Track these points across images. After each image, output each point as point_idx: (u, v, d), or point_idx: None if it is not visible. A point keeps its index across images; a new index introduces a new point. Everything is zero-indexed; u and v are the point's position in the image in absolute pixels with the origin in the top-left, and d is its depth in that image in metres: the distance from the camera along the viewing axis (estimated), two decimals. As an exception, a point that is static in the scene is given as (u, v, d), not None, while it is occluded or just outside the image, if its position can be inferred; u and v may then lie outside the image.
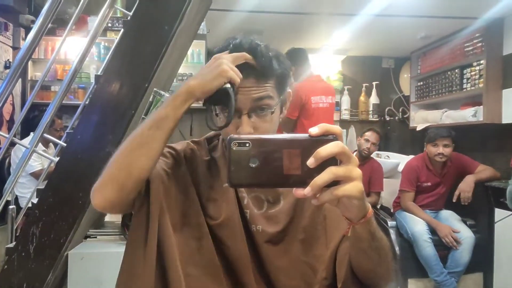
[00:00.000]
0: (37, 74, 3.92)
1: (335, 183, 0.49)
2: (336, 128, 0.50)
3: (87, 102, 1.84)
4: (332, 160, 0.49)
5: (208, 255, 0.78)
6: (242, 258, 0.77)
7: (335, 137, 0.50)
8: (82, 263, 1.63)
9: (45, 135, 1.75)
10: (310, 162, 0.48)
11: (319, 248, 0.80)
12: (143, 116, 1.99)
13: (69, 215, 1.59)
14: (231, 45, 0.78)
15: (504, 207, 2.28)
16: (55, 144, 2.39)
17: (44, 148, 3.08)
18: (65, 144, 1.71)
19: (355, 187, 0.50)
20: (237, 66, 0.74)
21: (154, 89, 1.96)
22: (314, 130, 0.49)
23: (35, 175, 3.00)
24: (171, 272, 0.73)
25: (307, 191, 0.48)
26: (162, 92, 2.03)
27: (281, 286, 0.79)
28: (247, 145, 0.50)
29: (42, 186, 1.75)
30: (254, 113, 0.76)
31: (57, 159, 1.69)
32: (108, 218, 2.03)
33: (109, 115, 1.75)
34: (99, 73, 1.82)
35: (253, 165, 0.49)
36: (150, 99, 2.01)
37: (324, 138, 0.49)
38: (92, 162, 1.67)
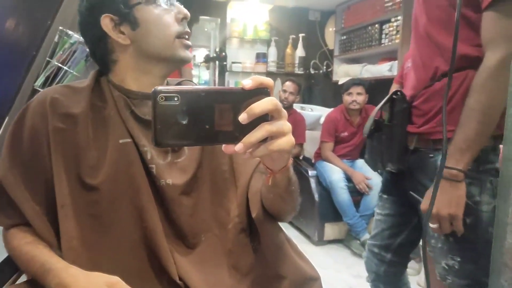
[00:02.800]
0: None
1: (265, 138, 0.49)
2: (269, 80, 0.49)
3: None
4: (264, 115, 0.48)
5: (112, 224, 0.72)
6: (151, 217, 0.72)
7: (267, 90, 0.49)
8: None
9: None
10: (243, 118, 0.46)
11: (229, 188, 0.81)
12: (48, 58, 1.77)
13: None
14: None
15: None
16: None
17: None
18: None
19: (288, 141, 0.51)
20: None
21: (60, 28, 1.73)
22: (248, 83, 0.48)
23: None
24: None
25: (238, 147, 0.47)
26: (70, 32, 1.81)
27: (195, 233, 0.77)
28: (176, 99, 0.45)
29: None
30: None
31: None
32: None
33: (5, 55, 1.53)
34: (-11, 6, 1.55)
35: (182, 122, 0.45)
36: (56, 39, 1.79)
37: (257, 91, 0.48)
38: (-15, 109, 1.46)
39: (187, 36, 0.77)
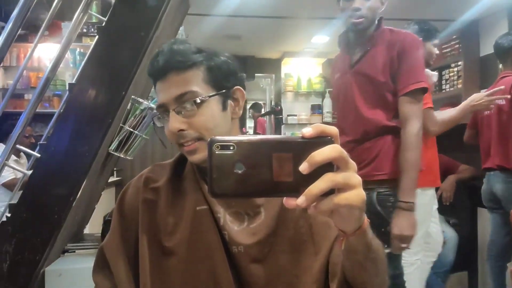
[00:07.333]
0: (10, 82, 3.79)
1: (331, 191, 0.43)
2: (332, 129, 0.44)
3: (61, 111, 1.77)
4: (328, 166, 0.43)
5: None
6: (225, 284, 0.72)
7: (331, 139, 0.43)
8: (60, 280, 1.56)
9: (18, 145, 1.67)
10: (303, 167, 0.41)
11: (307, 259, 0.75)
12: (121, 124, 1.92)
13: (44, 230, 1.51)
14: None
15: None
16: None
17: (15, 158, 2.97)
18: (38, 155, 1.64)
19: (357, 195, 0.44)
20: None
21: (132, 96, 1.90)
22: (308, 131, 0.43)
23: (7, 185, 2.89)
24: None
25: (300, 201, 0.42)
26: (141, 100, 1.98)
27: None
28: (231, 148, 0.43)
29: (15, 199, 1.66)
30: (180, 109, 0.73)
31: (30, 172, 1.62)
32: (87, 230, 1.96)
33: (85, 125, 1.68)
34: (73, 81, 1.75)
35: (239, 171, 0.43)
36: (128, 107, 1.95)
37: (319, 141, 0.43)
38: (67, 175, 1.60)
39: (185, 144, 0.76)
